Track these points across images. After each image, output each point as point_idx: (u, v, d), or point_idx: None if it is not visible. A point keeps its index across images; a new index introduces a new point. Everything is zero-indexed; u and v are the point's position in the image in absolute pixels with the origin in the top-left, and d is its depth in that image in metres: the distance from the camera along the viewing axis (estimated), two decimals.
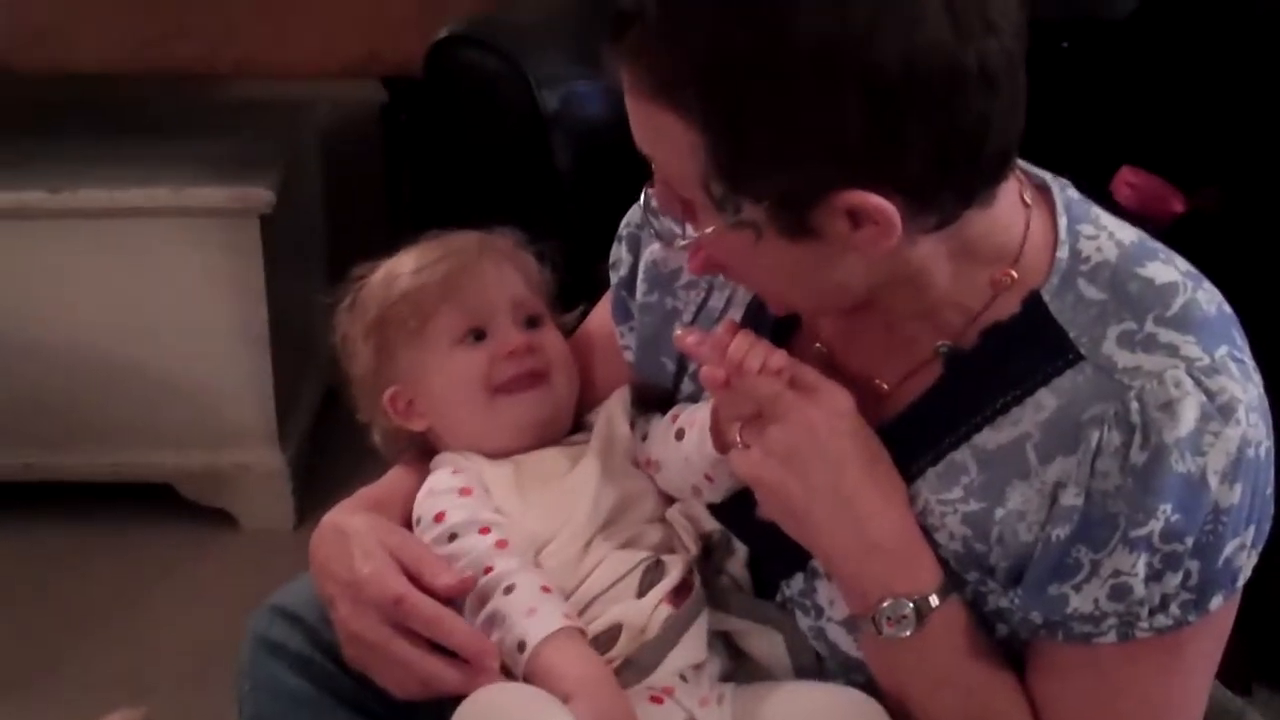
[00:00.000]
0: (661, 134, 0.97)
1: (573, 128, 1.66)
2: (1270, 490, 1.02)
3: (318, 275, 2.54)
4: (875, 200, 0.94)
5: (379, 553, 1.12)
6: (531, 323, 1.25)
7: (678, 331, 1.12)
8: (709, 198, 0.98)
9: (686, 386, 1.22)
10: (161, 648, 2.13)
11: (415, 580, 1.11)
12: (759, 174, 0.95)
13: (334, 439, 2.45)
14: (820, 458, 1.03)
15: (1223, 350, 1.00)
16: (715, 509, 1.17)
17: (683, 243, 1.03)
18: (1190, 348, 0.99)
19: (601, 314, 1.30)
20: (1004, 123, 0.96)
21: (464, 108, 1.70)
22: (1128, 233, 1.06)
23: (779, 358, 1.05)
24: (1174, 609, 1.00)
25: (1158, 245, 1.05)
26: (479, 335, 1.23)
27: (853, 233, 0.96)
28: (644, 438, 1.22)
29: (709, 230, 1.00)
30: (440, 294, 1.23)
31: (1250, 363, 1.02)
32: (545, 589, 1.11)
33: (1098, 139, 1.95)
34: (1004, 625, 1.06)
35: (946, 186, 0.96)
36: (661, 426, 1.20)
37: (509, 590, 1.10)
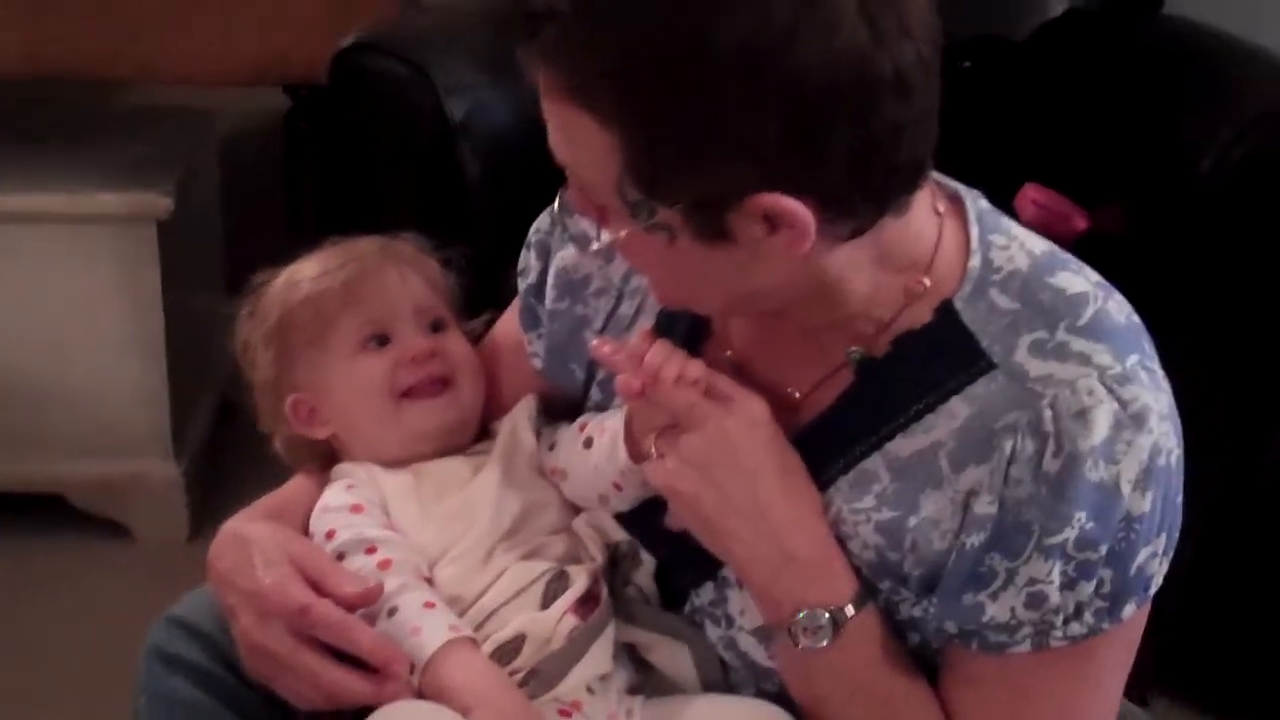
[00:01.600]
0: (576, 136, 0.96)
1: (480, 136, 1.65)
2: (1179, 499, 1.03)
3: (214, 284, 2.50)
4: (790, 204, 0.93)
5: (282, 562, 1.10)
6: (436, 328, 1.24)
7: (593, 341, 1.11)
8: (623, 201, 0.97)
9: (595, 395, 1.21)
10: (52, 660, 2.08)
11: (319, 590, 1.09)
12: (674, 177, 0.94)
13: (230, 450, 2.41)
14: (735, 468, 1.03)
15: (1134, 359, 1.00)
16: (623, 518, 1.16)
17: (596, 246, 1.02)
18: (1102, 356, 0.99)
19: (509, 322, 1.28)
20: (919, 130, 0.96)
21: (369, 115, 1.68)
22: (1038, 243, 1.06)
23: (695, 367, 1.05)
24: (1088, 617, 1.00)
25: (1068, 256, 1.06)
26: (382, 341, 1.22)
27: (768, 237, 0.95)
28: (551, 447, 1.20)
29: (623, 234, 0.99)
30: (342, 299, 1.22)
31: (1160, 372, 1.03)
32: (429, 605, 1.09)
33: (1000, 156, 1.96)
34: (916, 634, 1.06)
35: (861, 192, 0.96)
36: (569, 435, 1.19)
37: (392, 613, 1.08)
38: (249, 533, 1.14)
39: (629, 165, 0.94)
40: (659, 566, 1.15)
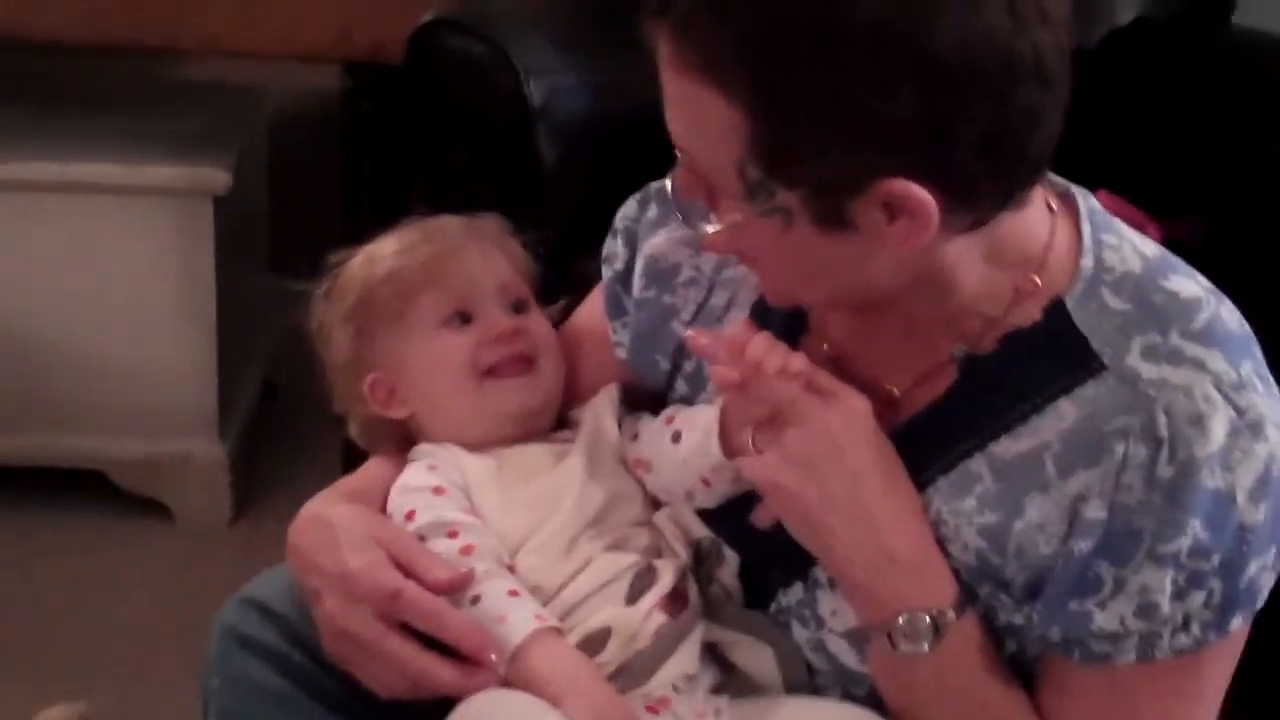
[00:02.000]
0: (700, 112, 0.93)
1: (558, 120, 1.62)
2: None
3: (261, 263, 2.48)
4: (916, 191, 0.91)
5: (370, 546, 1.08)
6: (518, 308, 1.22)
7: (688, 331, 1.09)
8: (742, 182, 0.94)
9: (680, 387, 1.18)
10: (95, 641, 2.05)
11: (407, 575, 1.06)
12: (801, 158, 0.92)
13: (270, 433, 2.39)
14: (839, 465, 1.01)
15: (1248, 366, 0.99)
16: (707, 514, 1.13)
17: (709, 229, 0.99)
18: (1217, 362, 0.98)
19: (590, 309, 1.26)
20: (1050, 119, 0.94)
21: (445, 95, 1.65)
22: (1150, 245, 1.05)
23: (798, 360, 1.03)
24: (1195, 629, 0.98)
25: (1179, 260, 1.04)
26: (465, 319, 1.20)
27: (887, 226, 0.93)
28: (634, 437, 1.18)
29: (738, 217, 0.96)
30: (425, 275, 1.20)
31: (1272, 380, 1.01)
32: (513, 593, 1.07)
33: (1070, 164, 1.93)
34: (1013, 641, 1.03)
35: (989, 181, 0.94)
36: (655, 427, 1.16)
37: (475, 601, 1.06)
38: (333, 515, 1.12)
39: (754, 144, 0.92)
40: (743, 564, 1.12)
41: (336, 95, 2.30)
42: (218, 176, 2.13)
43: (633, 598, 1.09)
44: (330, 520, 1.11)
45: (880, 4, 0.87)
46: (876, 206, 0.93)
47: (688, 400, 1.17)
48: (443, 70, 1.65)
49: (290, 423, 2.37)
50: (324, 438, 2.22)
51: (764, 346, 1.03)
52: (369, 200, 2.10)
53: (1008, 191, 0.96)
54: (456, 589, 1.06)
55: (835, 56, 0.88)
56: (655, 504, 1.17)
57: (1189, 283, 1.02)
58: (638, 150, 1.56)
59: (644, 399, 1.21)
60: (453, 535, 1.10)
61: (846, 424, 1.01)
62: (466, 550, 1.09)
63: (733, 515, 1.11)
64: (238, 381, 2.35)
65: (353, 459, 2.12)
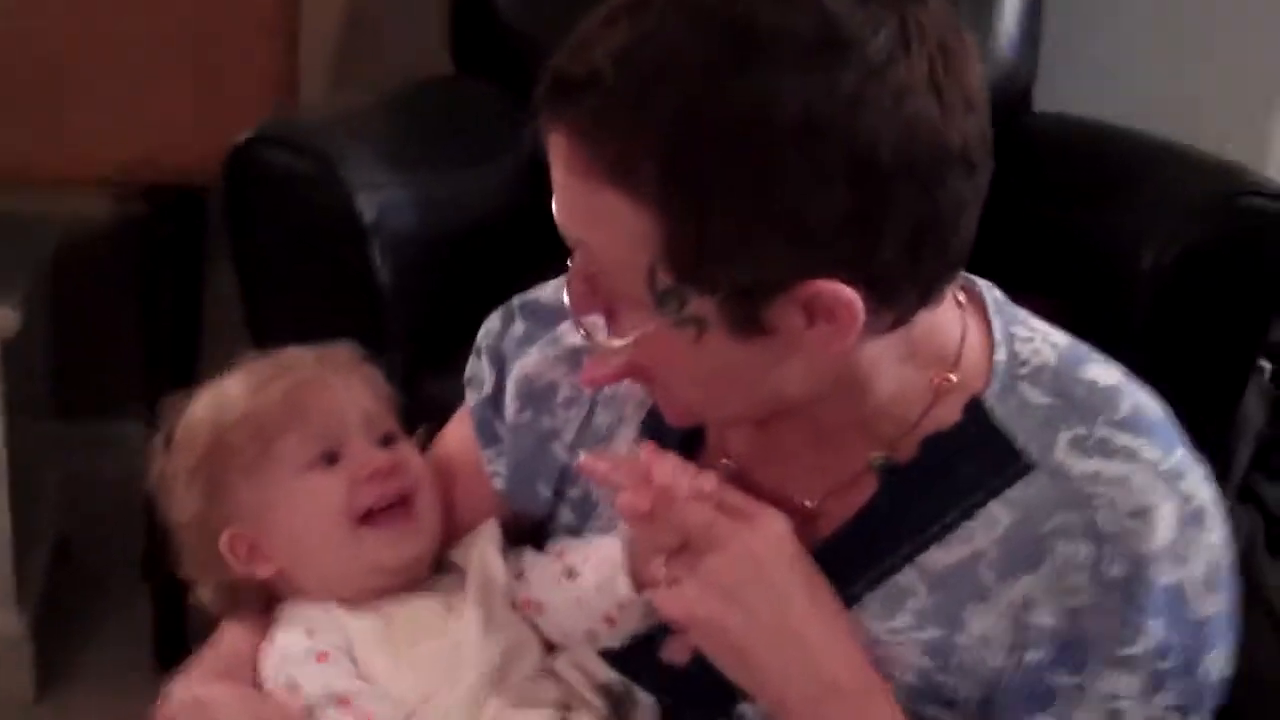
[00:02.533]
0: (603, 218, 0.87)
1: (392, 236, 1.53)
2: (1236, 597, 0.97)
3: (47, 410, 2.29)
4: (844, 291, 0.86)
5: None
6: (387, 441, 1.12)
7: (581, 458, 1.01)
8: (650, 292, 0.88)
9: (565, 516, 1.10)
10: None
11: None
12: (719, 263, 0.86)
13: (69, 594, 2.18)
14: (765, 590, 0.94)
15: (1180, 451, 0.96)
16: (611, 655, 1.05)
17: (619, 344, 0.92)
18: (1149, 451, 0.94)
19: (455, 436, 1.16)
20: (973, 210, 0.90)
21: (272, 215, 1.55)
22: (1059, 334, 1.01)
23: (709, 481, 0.96)
24: None
25: (1089, 347, 1.01)
26: (331, 458, 1.09)
27: (806, 330, 0.88)
28: (518, 576, 1.09)
29: (647, 329, 0.89)
30: (284, 413, 1.09)
31: (1200, 463, 0.97)
32: None
33: None
34: None
35: (911, 277, 0.90)
36: (544, 564, 1.08)
37: None
38: (210, 696, 1.02)
39: (668, 249, 0.86)
40: (660, 706, 1.04)
41: (126, 222, 2.16)
42: (6, 317, 1.96)
43: None
44: (207, 702, 1.02)
45: (806, 98, 0.82)
46: (797, 309, 0.87)
47: (574, 530, 1.09)
48: (266, 189, 1.54)
49: (88, 583, 2.20)
50: (127, 597, 2.07)
51: (671, 469, 0.96)
52: (169, 334, 1.96)
53: (929, 287, 0.92)
54: None
55: (758, 152, 0.83)
56: (550, 647, 1.07)
57: (1106, 370, 0.98)
58: (477, 264, 1.48)
59: (525, 531, 1.12)
60: (344, 705, 1.01)
61: (769, 546, 0.95)
62: None
63: (640, 654, 1.03)
64: (31, 543, 2.15)
65: (165, 620, 1.98)
